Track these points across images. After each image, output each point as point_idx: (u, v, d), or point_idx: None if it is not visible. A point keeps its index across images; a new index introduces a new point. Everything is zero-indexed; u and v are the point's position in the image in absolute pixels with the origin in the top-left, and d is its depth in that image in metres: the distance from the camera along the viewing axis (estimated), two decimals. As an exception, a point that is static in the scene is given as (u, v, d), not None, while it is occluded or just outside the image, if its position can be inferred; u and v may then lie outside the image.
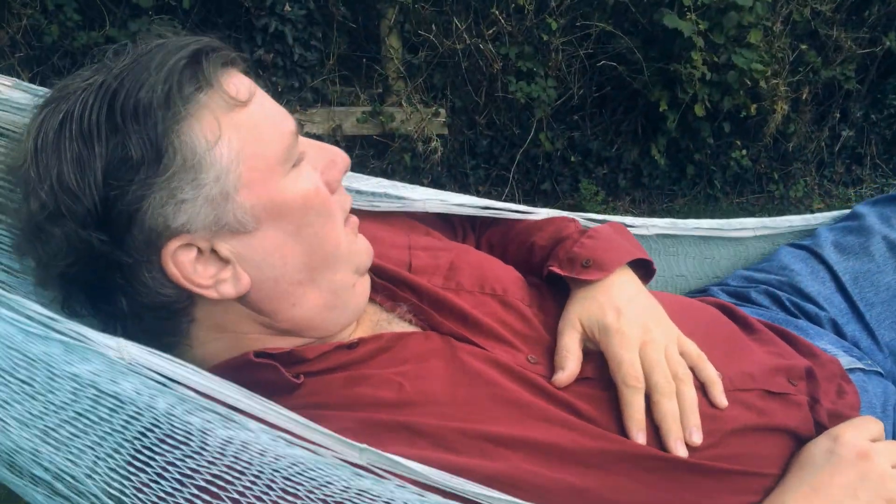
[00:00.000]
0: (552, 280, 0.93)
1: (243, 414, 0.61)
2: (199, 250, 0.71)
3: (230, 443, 0.61)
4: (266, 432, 0.60)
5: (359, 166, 3.33)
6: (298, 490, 0.61)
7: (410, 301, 0.85)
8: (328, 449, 0.60)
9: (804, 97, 3.58)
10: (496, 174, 3.51)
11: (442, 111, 3.28)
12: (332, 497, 0.61)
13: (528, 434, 0.74)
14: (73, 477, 0.60)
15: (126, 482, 0.60)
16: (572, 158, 3.52)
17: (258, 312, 0.76)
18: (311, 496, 0.61)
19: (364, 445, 0.61)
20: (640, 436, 0.77)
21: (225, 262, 0.73)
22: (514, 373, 0.79)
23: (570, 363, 0.81)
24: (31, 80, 2.99)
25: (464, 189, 3.52)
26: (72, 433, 0.61)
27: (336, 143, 3.25)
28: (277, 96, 3.14)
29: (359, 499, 0.61)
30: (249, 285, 0.73)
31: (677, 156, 3.56)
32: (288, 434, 0.60)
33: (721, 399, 0.82)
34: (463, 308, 0.84)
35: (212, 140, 0.70)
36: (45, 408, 0.61)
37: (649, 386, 0.79)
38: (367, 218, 0.97)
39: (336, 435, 0.61)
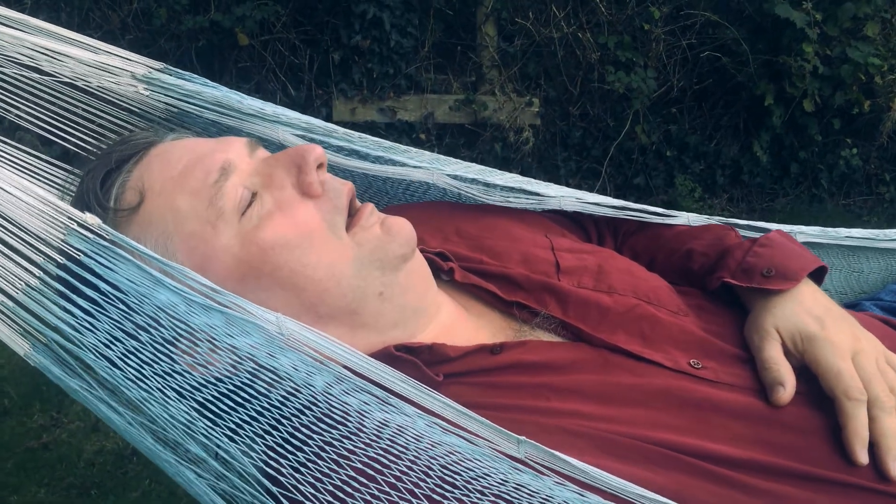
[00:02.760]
0: (715, 291, 0.86)
1: (398, 398, 0.58)
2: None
3: (386, 426, 0.58)
4: (422, 417, 0.57)
5: (448, 154, 3.30)
6: (456, 480, 0.57)
7: (553, 315, 0.79)
8: (485, 439, 0.57)
9: (922, 94, 3.35)
10: (587, 167, 3.42)
11: (535, 101, 3.22)
12: (490, 489, 0.57)
13: (693, 443, 0.68)
14: (228, 453, 0.59)
15: (283, 460, 0.58)
16: (668, 153, 3.40)
17: None
18: (469, 486, 0.57)
19: (523, 438, 0.57)
20: (862, 453, 0.70)
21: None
22: (672, 384, 0.74)
23: (788, 376, 0.74)
24: (138, 63, 3.07)
25: (553, 181, 3.45)
26: (230, 406, 0.59)
27: (427, 131, 3.24)
28: (372, 82, 3.15)
29: (517, 493, 0.57)
30: None
31: (781, 153, 3.39)
32: (443, 420, 0.57)
33: None
34: (616, 311, 0.79)
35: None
36: (204, 380, 0.59)
37: (869, 400, 0.73)
38: (504, 216, 0.93)
39: (493, 424, 0.57)
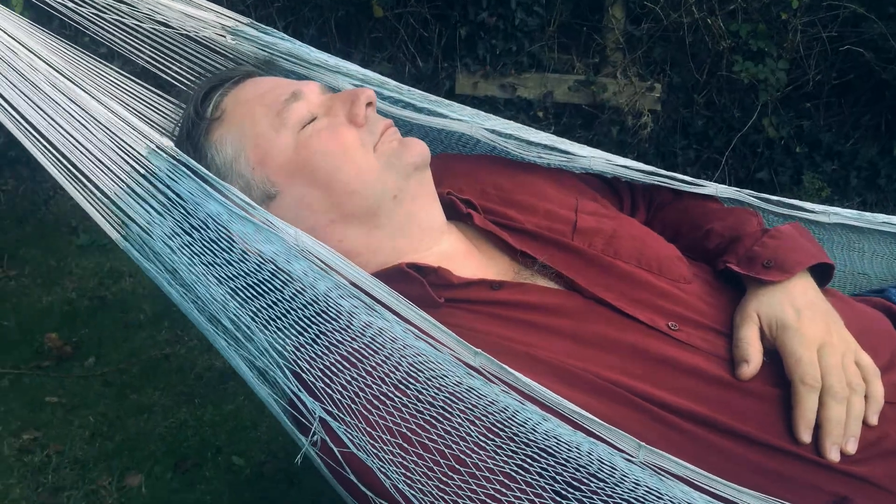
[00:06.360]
0: (724, 273, 0.93)
1: (383, 306, 0.71)
2: None
3: (370, 326, 0.72)
4: (399, 324, 0.71)
5: (564, 135, 3.36)
6: (419, 376, 0.71)
7: (551, 266, 0.89)
8: (448, 347, 0.69)
9: None
10: (707, 157, 3.36)
11: (657, 86, 3.20)
12: (446, 388, 0.70)
13: (645, 388, 0.77)
14: (249, 328, 0.75)
15: (288, 340, 0.74)
16: (798, 149, 3.27)
17: None
18: (428, 383, 0.71)
19: (479, 350, 0.69)
20: (805, 434, 0.78)
21: None
22: (644, 339, 0.82)
23: (755, 355, 0.82)
24: (284, 29, 3.36)
25: (671, 169, 3.36)
26: (253, 295, 0.76)
27: (545, 110, 3.31)
28: (495, 58, 3.26)
29: (468, 394, 0.70)
30: None
31: (925, 158, 3.17)
32: (416, 329, 0.70)
33: (873, 419, 0.81)
34: (614, 274, 0.89)
35: (217, 146, 0.90)
36: (237, 272, 0.76)
37: (823, 387, 0.80)
38: (542, 176, 1.03)
39: (457, 337, 0.70)
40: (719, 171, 3.33)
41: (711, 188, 1.04)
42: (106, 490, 1.87)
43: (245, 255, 0.75)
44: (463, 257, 0.91)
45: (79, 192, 0.78)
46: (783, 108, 3.20)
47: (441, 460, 0.68)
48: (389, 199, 0.88)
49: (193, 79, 1.04)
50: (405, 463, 0.68)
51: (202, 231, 0.76)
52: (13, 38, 0.83)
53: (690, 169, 3.40)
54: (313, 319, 0.74)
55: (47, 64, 0.83)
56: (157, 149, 0.75)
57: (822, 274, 0.92)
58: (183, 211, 0.76)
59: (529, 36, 3.23)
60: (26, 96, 0.79)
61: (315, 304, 0.73)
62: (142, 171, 0.76)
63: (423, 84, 3.39)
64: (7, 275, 2.73)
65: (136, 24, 0.98)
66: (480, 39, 3.21)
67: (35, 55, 0.83)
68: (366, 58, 3.40)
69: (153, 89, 1.01)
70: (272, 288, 0.75)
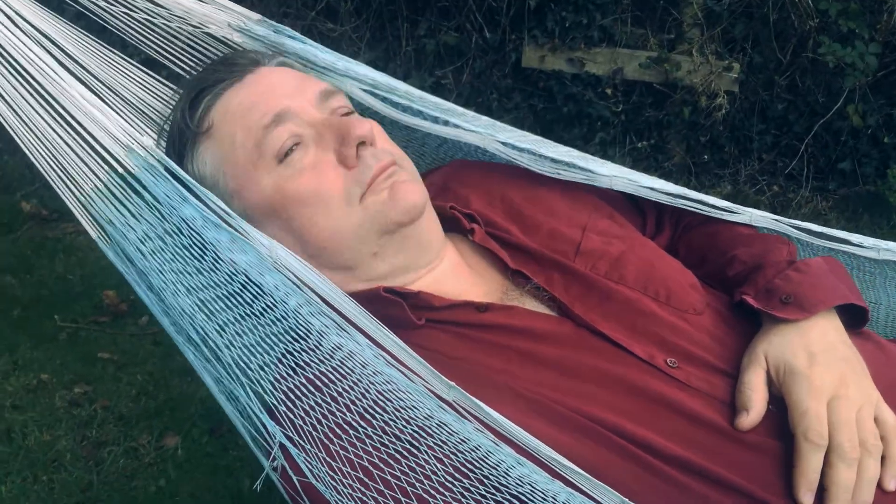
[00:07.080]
0: (742, 306, 0.85)
1: (356, 328, 0.67)
2: None
3: (340, 349, 0.69)
4: (371, 348, 0.67)
5: (633, 112, 3.21)
6: (387, 406, 0.67)
7: (544, 288, 0.83)
8: (421, 378, 0.65)
9: None
10: (786, 143, 3.16)
11: (736, 66, 3.00)
12: (415, 420, 0.67)
13: (634, 429, 0.71)
14: (215, 343, 0.73)
15: (253, 358, 0.71)
16: (886, 139, 3.03)
17: None
18: (397, 414, 0.67)
19: (453, 384, 0.64)
20: (806, 496, 0.72)
21: None
22: (637, 375, 0.76)
23: (758, 403, 0.75)
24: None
25: (745, 155, 3.23)
26: (221, 307, 0.74)
27: (614, 87, 3.16)
28: (564, 32, 3.12)
29: (438, 429, 0.66)
30: None
31: None
32: (389, 355, 0.66)
33: (891, 484, 0.73)
34: (615, 300, 0.82)
35: (199, 166, 0.85)
36: (206, 282, 0.74)
37: (831, 445, 0.72)
38: (555, 190, 0.95)
39: (432, 368, 0.65)
40: (797, 159, 3.13)
41: (746, 216, 0.94)
42: (144, 448, 1.95)
43: (216, 265, 0.72)
44: (452, 274, 0.86)
45: (62, 188, 0.76)
46: (873, 95, 2.96)
47: (403, 499, 0.65)
48: (368, 256, 0.82)
49: (198, 67, 1.00)
50: (364, 499, 0.65)
51: (175, 236, 0.73)
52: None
53: (766, 155, 3.21)
54: (280, 337, 0.71)
55: (48, 49, 0.81)
56: (135, 147, 0.73)
57: (857, 315, 0.82)
58: (158, 214, 0.74)
59: (601, 8, 3.08)
60: (16, 81, 0.78)
61: (284, 321, 0.70)
62: (120, 170, 0.74)
63: (489, 55, 3.30)
64: (77, 230, 2.84)
65: (148, 19, 0.95)
66: (550, 11, 3.08)
67: (39, 34, 0.81)
68: (432, 26, 3.32)
69: (158, 77, 0.99)
70: (241, 301, 0.72)
